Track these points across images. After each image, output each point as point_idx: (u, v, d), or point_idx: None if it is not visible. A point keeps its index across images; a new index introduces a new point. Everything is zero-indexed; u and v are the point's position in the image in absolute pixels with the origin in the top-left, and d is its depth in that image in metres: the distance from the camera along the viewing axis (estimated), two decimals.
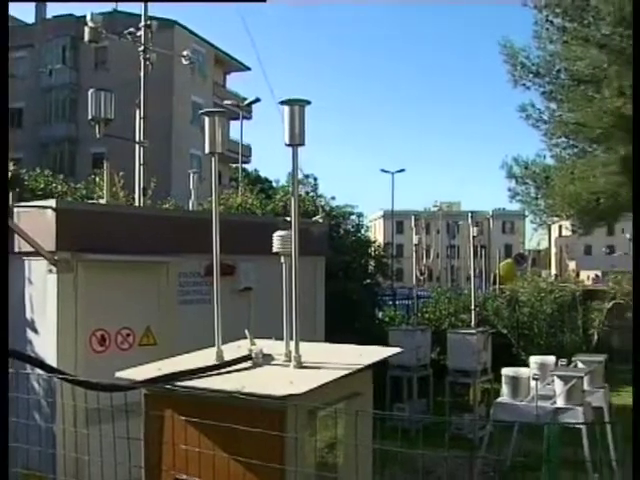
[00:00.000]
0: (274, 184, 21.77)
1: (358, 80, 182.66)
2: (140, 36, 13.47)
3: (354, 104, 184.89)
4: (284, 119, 4.26)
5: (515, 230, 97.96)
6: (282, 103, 4.30)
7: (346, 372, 4.14)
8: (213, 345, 4.60)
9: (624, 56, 18.85)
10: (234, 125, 49.60)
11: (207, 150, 4.65)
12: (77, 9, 46.67)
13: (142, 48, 13.40)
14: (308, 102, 4.29)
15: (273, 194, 16.70)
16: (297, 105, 4.28)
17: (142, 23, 13.56)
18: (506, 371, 9.87)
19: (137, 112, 12.42)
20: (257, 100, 37.64)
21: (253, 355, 4.45)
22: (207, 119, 4.65)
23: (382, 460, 5.51)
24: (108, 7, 39.51)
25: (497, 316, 18.06)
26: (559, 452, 4.64)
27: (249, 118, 49.86)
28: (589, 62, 19.73)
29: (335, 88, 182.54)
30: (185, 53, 15.31)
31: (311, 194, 16.33)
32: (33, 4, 52.60)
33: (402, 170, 58.10)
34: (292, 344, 4.37)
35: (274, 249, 4.47)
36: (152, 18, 13.88)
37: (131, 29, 13.57)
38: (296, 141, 4.27)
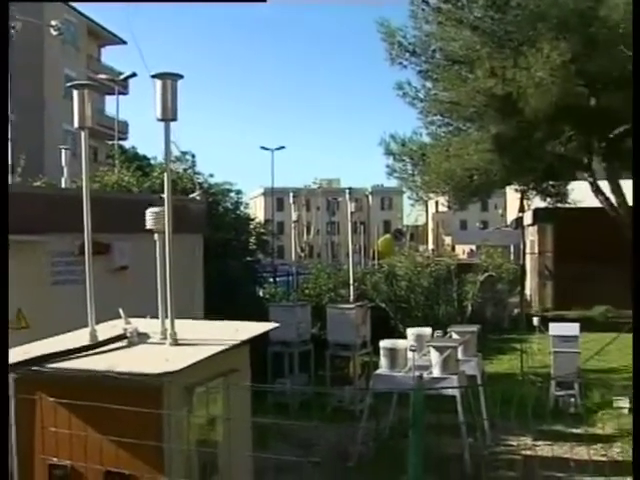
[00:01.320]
0: (152, 161, 21.28)
1: (237, 57, 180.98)
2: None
3: (233, 82, 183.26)
4: (156, 93, 4.18)
5: (393, 206, 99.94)
6: (154, 77, 4.21)
7: (222, 348, 4.14)
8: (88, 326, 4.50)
9: (495, 38, 19.47)
10: (110, 101, 48.24)
11: (76, 124, 4.50)
12: None
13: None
14: (180, 76, 4.21)
15: (151, 171, 16.32)
16: (169, 79, 4.20)
17: None
18: (384, 343, 10.12)
19: None
20: (133, 75, 36.60)
21: (128, 334, 4.38)
22: (76, 92, 4.50)
23: (264, 435, 5.55)
24: None
25: (376, 290, 18.43)
26: (425, 418, 4.80)
27: (125, 93, 48.59)
28: (462, 43, 20.25)
29: (214, 64, 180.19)
30: (54, 23, 14.68)
31: (189, 171, 16.07)
32: None
33: (282, 147, 58.31)
34: (168, 322, 4.33)
35: (147, 226, 4.39)
36: None
37: None
38: (168, 116, 4.20)
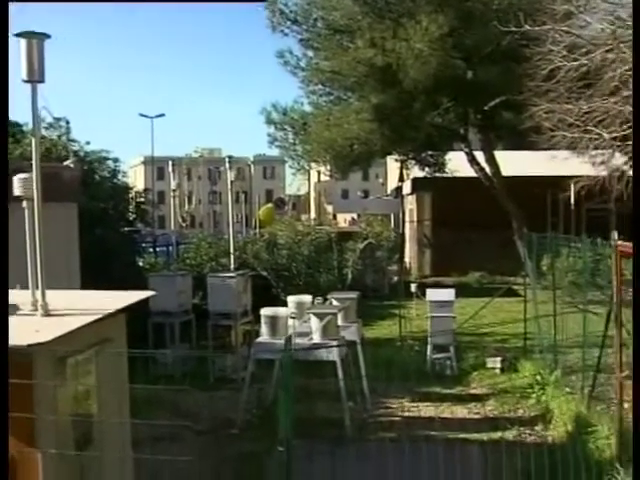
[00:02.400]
0: (24, 128, 20.39)
1: (117, 23, 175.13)
2: None
3: (112, 48, 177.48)
4: (21, 53, 3.98)
5: (276, 175, 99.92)
6: (18, 36, 4.00)
7: (95, 318, 4.03)
8: None
9: (376, 9, 19.68)
10: None
11: None
12: None
13: None
14: (47, 36, 4.03)
15: (22, 138, 15.63)
16: (35, 39, 4.00)
17: None
18: (265, 311, 10.14)
19: None
20: None
21: None
22: None
23: (146, 405, 5.47)
24: None
25: (257, 259, 18.42)
26: (304, 382, 4.89)
27: None
28: (344, 13, 20.37)
29: (90, 29, 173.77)
30: None
31: (63, 138, 15.48)
32: None
33: (162, 115, 57.11)
34: (38, 293, 4.17)
35: (14, 192, 4.20)
36: None
37: None
38: (35, 77, 4.01)
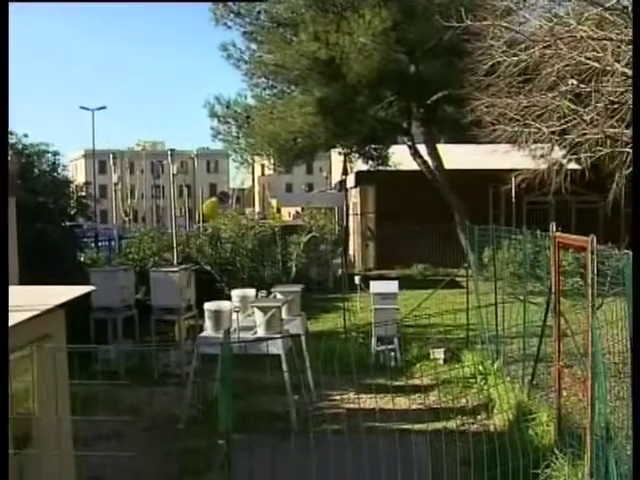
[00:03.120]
0: None
1: (62, 12, 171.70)
2: None
3: (54, 39, 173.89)
4: None
5: (219, 169, 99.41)
6: None
7: (33, 314, 3.95)
8: None
9: (319, 2, 19.71)
10: None
11: None
12: None
13: None
14: None
15: None
16: None
17: None
18: (208, 305, 10.10)
19: None
20: None
21: None
22: None
23: (89, 403, 5.39)
24: None
25: (200, 253, 18.29)
26: (235, 374, 4.89)
27: None
28: (287, 6, 20.37)
29: (35, 17, 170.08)
30: None
31: None
32: None
33: (103, 107, 56.17)
34: None
35: None
36: None
37: None
38: None
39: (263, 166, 55.14)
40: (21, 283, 8.80)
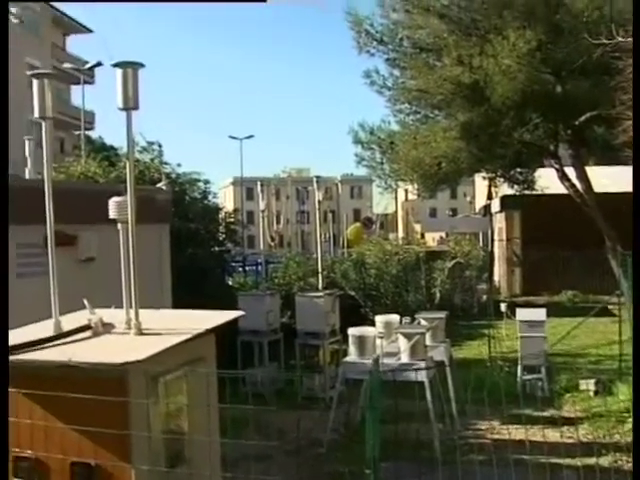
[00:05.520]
0: (119, 151, 21.07)
1: (205, 46, 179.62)
2: None
3: (202, 72, 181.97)
4: (117, 82, 4.14)
5: (363, 195, 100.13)
6: (115, 66, 4.17)
7: (187, 337, 4.12)
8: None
9: (462, 26, 19.56)
10: (76, 91, 47.63)
11: (36, 115, 4.43)
12: None
13: None
14: (141, 65, 4.18)
15: (117, 161, 16.17)
16: (130, 68, 4.16)
17: None
18: (352, 331, 10.17)
19: None
20: (99, 64, 36.25)
21: (92, 324, 4.35)
22: (36, 82, 4.43)
23: (236, 424, 5.54)
24: None
25: (345, 278, 18.48)
26: (394, 404, 4.86)
27: (92, 83, 48.05)
28: (430, 31, 20.31)
29: (187, 54, 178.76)
30: (13, 10, 14.36)
31: (156, 161, 15.93)
32: None
33: (251, 136, 58.11)
34: (132, 312, 4.30)
35: (110, 216, 4.36)
36: None
37: None
38: (130, 105, 4.16)
39: (407, 191, 55.06)
40: (174, 304, 9.21)
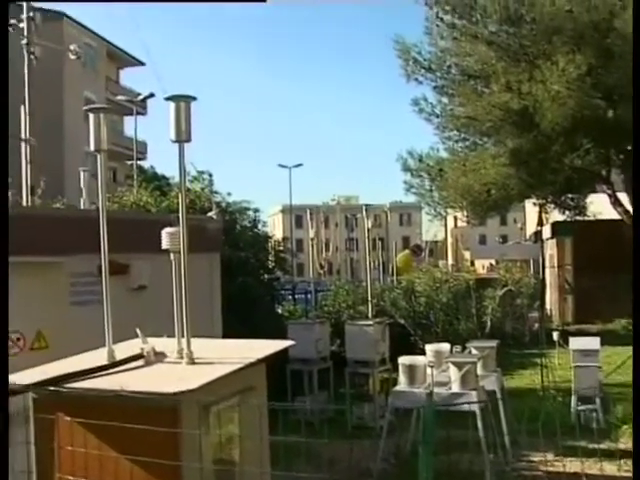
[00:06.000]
0: (170, 181, 21.44)
1: (256, 75, 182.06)
2: (23, 28, 12.94)
3: (252, 99, 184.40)
4: (170, 115, 4.24)
5: (412, 222, 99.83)
6: (168, 99, 4.26)
7: (238, 367, 4.15)
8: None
9: (510, 52, 19.52)
10: (129, 121, 48.63)
11: (92, 147, 4.56)
12: None
13: (25, 41, 12.91)
14: (193, 98, 4.27)
15: (169, 191, 16.44)
16: (182, 101, 4.25)
17: (24, 15, 13.04)
18: (402, 360, 10.09)
19: (22, 108, 11.98)
20: (151, 95, 37.01)
21: (145, 353, 4.40)
22: (92, 116, 4.55)
23: (286, 453, 5.54)
24: None
25: (395, 306, 18.38)
26: (444, 434, 4.81)
27: (144, 114, 49.00)
28: (478, 58, 20.31)
29: (235, 84, 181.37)
30: (72, 47, 14.86)
31: (206, 190, 16.16)
32: None
33: (300, 165, 58.45)
34: (184, 341, 4.35)
35: (163, 246, 4.43)
36: (36, 10, 13.38)
37: (13, 21, 12.96)
38: (182, 137, 4.25)
39: (456, 218, 54.71)
40: (224, 333, 9.27)
